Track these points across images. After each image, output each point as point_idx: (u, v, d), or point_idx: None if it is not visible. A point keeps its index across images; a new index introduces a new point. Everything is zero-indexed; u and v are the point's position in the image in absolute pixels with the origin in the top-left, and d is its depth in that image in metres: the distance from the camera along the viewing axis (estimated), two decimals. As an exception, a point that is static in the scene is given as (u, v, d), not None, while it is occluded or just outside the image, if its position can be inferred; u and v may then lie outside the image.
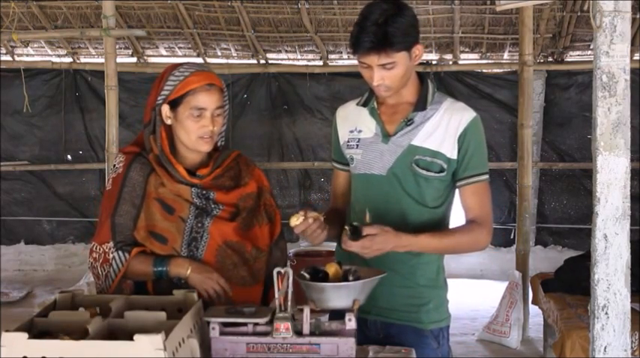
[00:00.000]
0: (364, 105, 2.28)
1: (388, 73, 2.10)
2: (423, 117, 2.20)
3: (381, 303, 2.21)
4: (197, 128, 2.17)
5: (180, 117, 2.18)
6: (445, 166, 2.17)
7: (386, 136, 2.21)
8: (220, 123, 2.22)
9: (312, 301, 1.91)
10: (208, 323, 1.87)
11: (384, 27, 2.04)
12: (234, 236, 2.23)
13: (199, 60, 6.82)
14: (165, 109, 2.19)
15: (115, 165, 2.25)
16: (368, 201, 2.23)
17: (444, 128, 2.18)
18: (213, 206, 2.24)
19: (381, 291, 2.11)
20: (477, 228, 2.20)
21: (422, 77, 2.27)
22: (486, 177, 2.23)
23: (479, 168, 2.21)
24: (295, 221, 2.01)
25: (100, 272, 2.17)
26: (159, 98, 2.19)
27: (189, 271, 2.13)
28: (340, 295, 1.90)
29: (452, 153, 2.17)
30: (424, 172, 2.17)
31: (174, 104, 2.18)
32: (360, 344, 2.00)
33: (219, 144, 2.31)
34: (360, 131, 2.27)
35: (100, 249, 2.17)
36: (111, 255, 2.15)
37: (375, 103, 2.25)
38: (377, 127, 2.23)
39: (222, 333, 1.85)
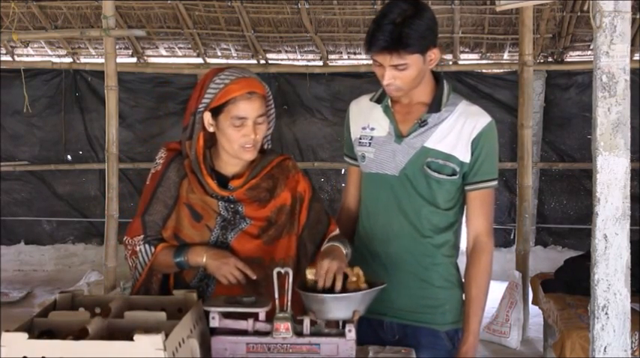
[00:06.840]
0: (378, 101, 2.25)
1: (400, 73, 2.07)
2: (437, 118, 2.17)
3: (397, 305, 2.21)
4: (239, 137, 2.12)
5: (221, 126, 2.13)
6: (457, 169, 2.16)
7: (399, 136, 2.19)
8: (263, 131, 2.17)
9: (312, 312, 1.90)
10: (207, 313, 1.86)
11: (401, 27, 2.00)
12: (258, 252, 2.18)
13: (199, 60, 6.82)
14: (207, 117, 2.14)
15: (156, 159, 2.24)
16: (379, 201, 2.22)
17: (458, 131, 2.15)
18: (240, 220, 2.19)
19: (397, 293, 2.10)
20: (483, 256, 2.29)
21: (437, 77, 2.23)
22: (495, 183, 2.22)
23: (489, 173, 2.20)
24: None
25: (130, 264, 2.20)
26: (200, 105, 2.14)
27: (205, 258, 2.10)
28: (340, 306, 1.89)
29: (465, 156, 2.15)
30: (436, 175, 2.15)
31: (215, 112, 2.13)
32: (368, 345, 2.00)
33: (265, 146, 2.27)
34: (372, 129, 2.24)
35: (131, 242, 2.19)
36: (138, 248, 2.16)
37: (389, 101, 2.22)
38: (390, 126, 2.20)
39: (221, 323, 1.85)
